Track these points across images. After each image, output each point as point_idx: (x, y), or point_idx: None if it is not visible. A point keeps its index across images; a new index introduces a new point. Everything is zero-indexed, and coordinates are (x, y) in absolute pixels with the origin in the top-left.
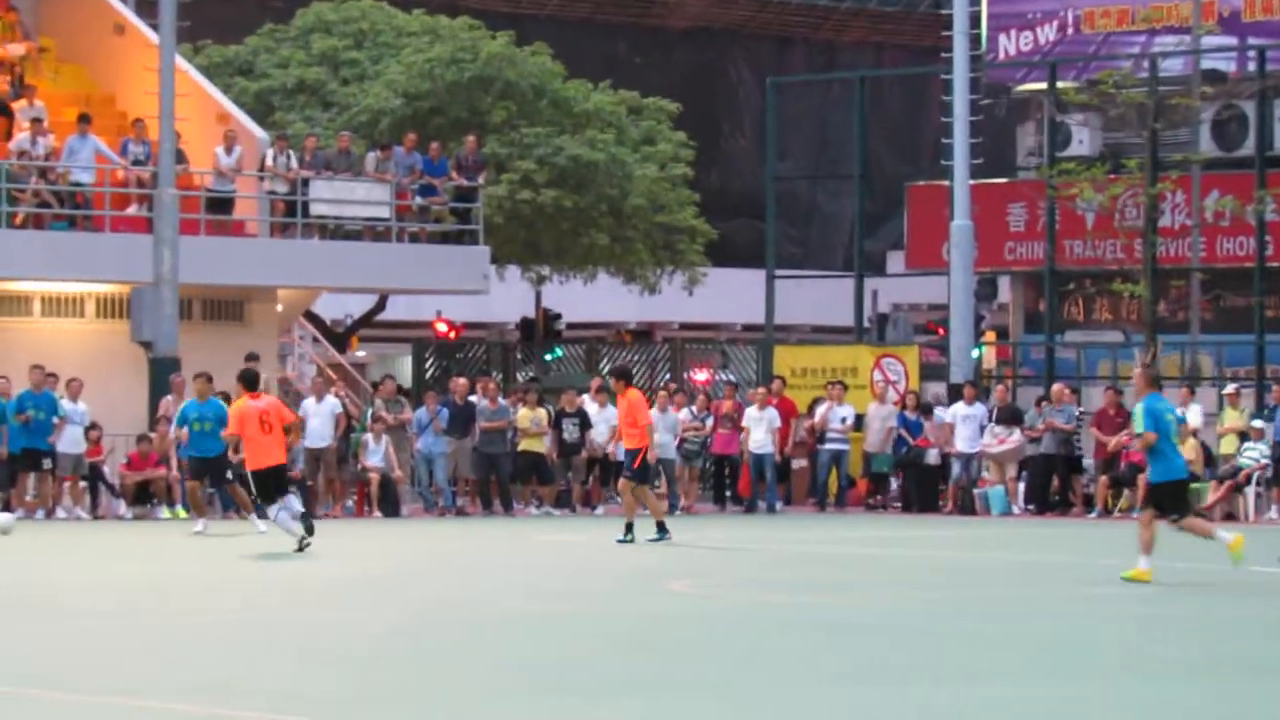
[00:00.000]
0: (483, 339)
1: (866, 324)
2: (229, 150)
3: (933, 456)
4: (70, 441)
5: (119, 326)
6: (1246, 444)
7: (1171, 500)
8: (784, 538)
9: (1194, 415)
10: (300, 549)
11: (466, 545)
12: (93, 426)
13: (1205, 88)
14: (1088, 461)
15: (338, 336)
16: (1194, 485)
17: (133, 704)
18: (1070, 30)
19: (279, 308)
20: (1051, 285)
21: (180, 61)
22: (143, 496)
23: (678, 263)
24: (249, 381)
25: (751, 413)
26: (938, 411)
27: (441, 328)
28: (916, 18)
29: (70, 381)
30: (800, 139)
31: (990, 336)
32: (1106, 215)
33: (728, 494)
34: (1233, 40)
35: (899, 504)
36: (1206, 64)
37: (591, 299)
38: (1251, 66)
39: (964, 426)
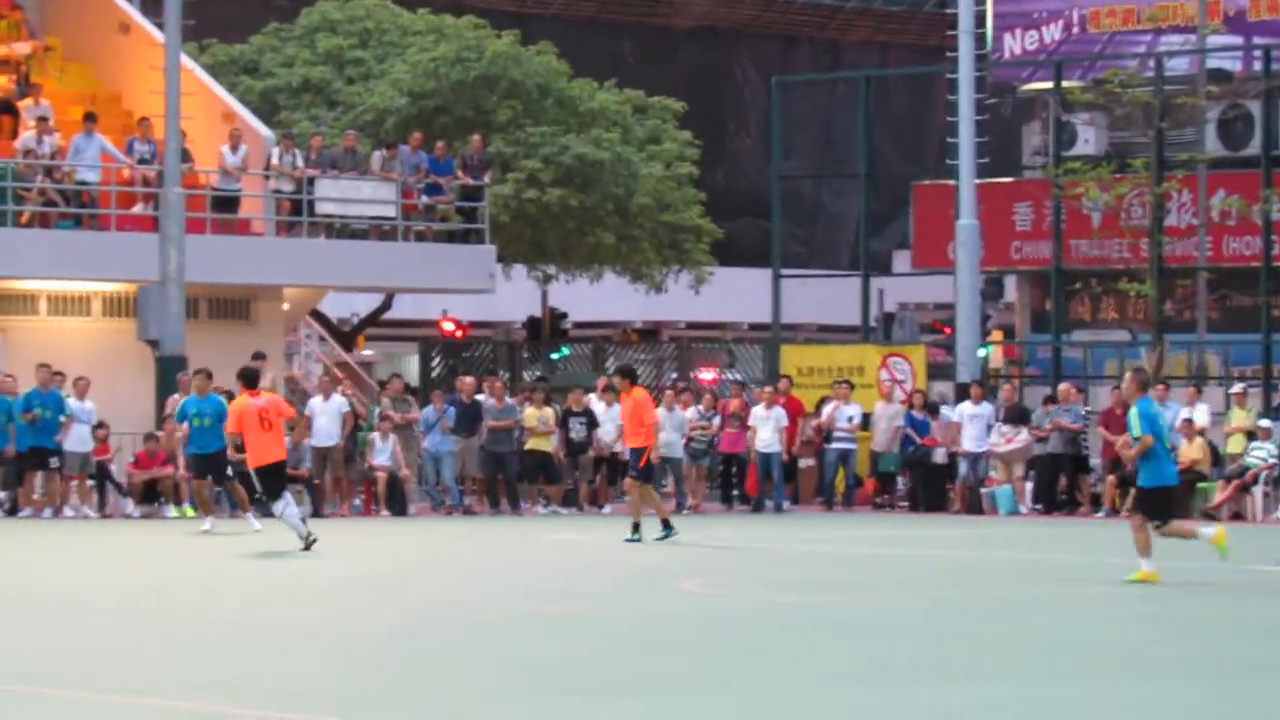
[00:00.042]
0: (489, 338)
1: (873, 323)
2: (234, 149)
3: (940, 456)
4: (77, 440)
5: (125, 325)
6: (1254, 443)
7: (1159, 506)
8: (790, 537)
9: (1201, 415)
10: (307, 547)
11: (473, 544)
12: (100, 425)
13: (1211, 87)
14: (1095, 461)
15: (344, 335)
16: (1201, 485)
17: (137, 702)
18: (1076, 29)
19: (285, 306)
20: (1058, 285)
21: (185, 60)
22: (150, 495)
23: (684, 262)
24: (249, 379)
25: (758, 412)
26: (944, 411)
27: (448, 326)
28: (921, 17)
29: (77, 380)
30: (805, 138)
31: (997, 336)
32: (1112, 214)
33: (735, 493)
34: (1238, 40)
35: (906, 503)
36: (1212, 63)
37: (598, 298)
38: (1257, 66)
39: (971, 426)
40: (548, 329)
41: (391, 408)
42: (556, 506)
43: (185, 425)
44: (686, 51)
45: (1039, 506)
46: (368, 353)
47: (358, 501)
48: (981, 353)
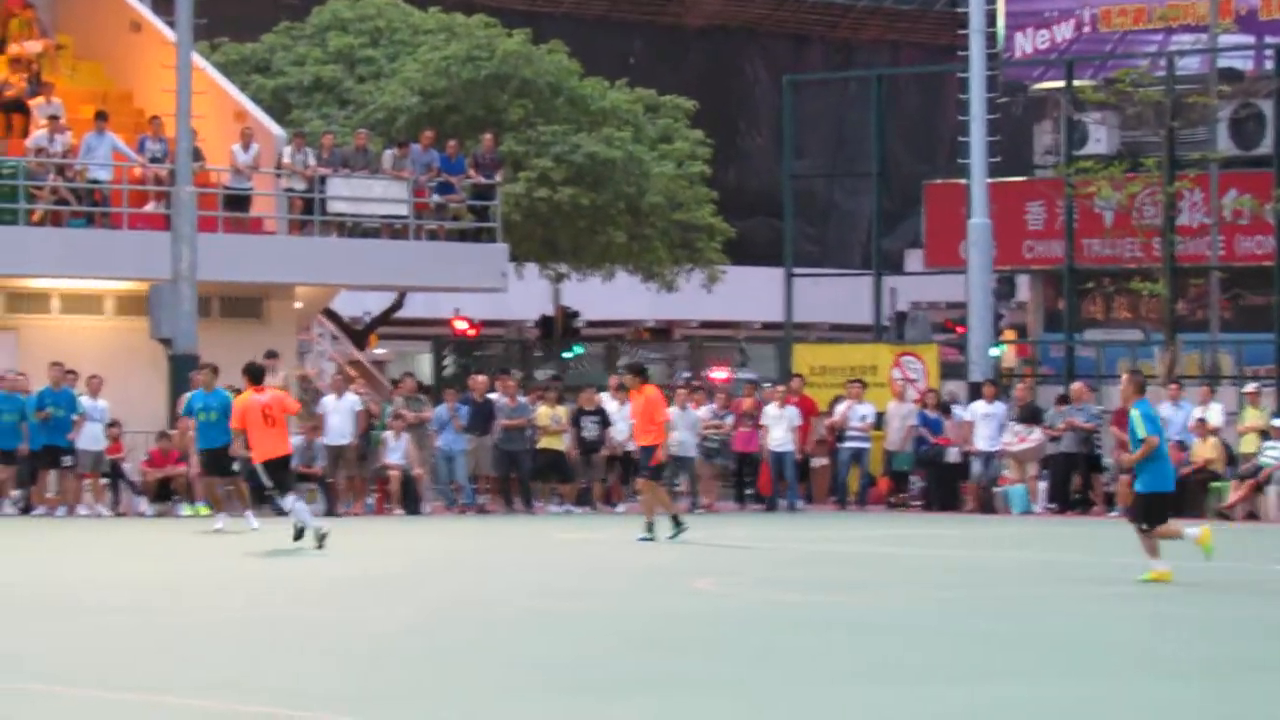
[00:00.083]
0: (502, 337)
1: (885, 322)
2: (246, 148)
3: (953, 455)
4: (90, 438)
5: (138, 324)
6: (1267, 443)
7: (1155, 511)
8: (803, 536)
9: (1214, 414)
10: (319, 543)
11: (486, 543)
12: (113, 424)
13: (1222, 86)
14: (1108, 460)
15: (357, 334)
16: (1215, 485)
17: (150, 700)
18: (1087, 29)
19: (298, 305)
20: (1071, 284)
21: (196, 59)
22: (164, 493)
23: (696, 261)
24: (253, 374)
25: (771, 411)
26: (957, 410)
27: (461, 325)
28: (933, 16)
29: (90, 379)
30: (817, 137)
31: (1009, 335)
32: (1125, 214)
33: (748, 492)
34: (1250, 39)
35: (920, 502)
36: (1223, 62)
37: (610, 297)
38: (1269, 65)
39: (984, 425)
40: (560, 328)
41: (404, 406)
42: (570, 505)
43: (192, 420)
44: (697, 50)
45: (1053, 506)
46: (381, 351)
47: (371, 500)
48: (995, 352)
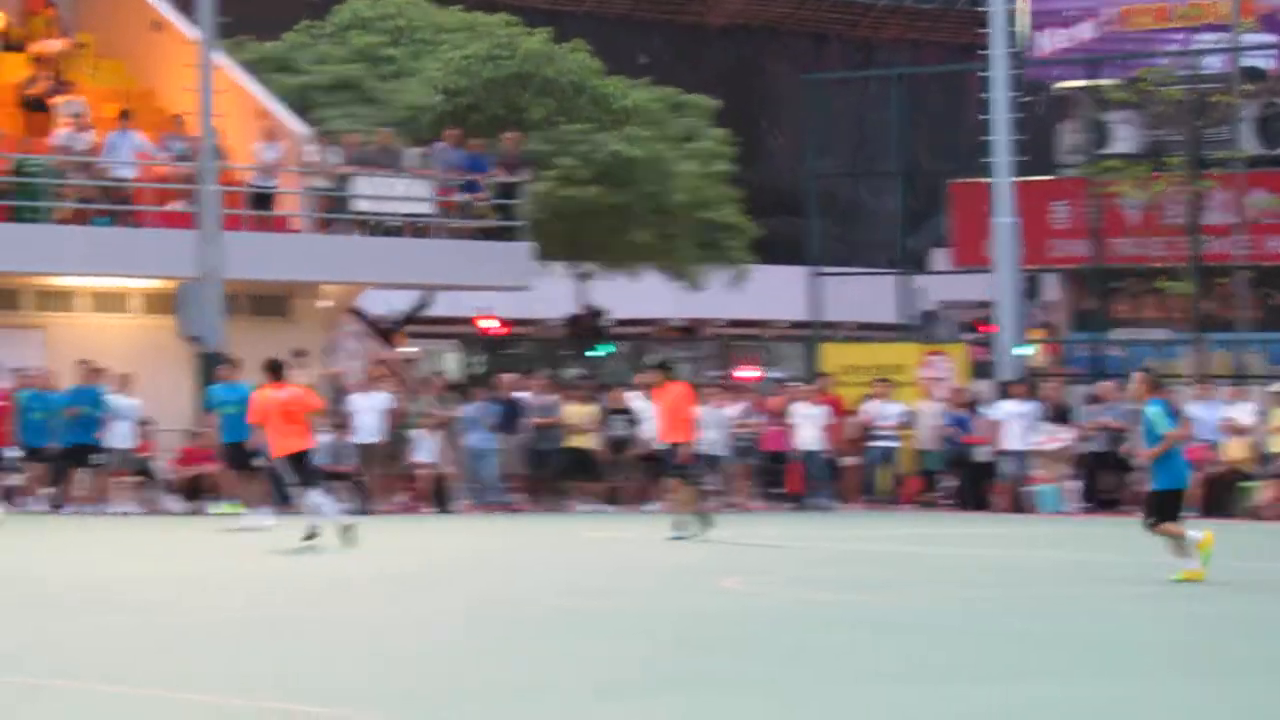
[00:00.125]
0: (531, 335)
1: (913, 321)
2: (269, 146)
3: (983, 454)
4: (120, 436)
5: (165, 322)
6: None
7: (1169, 507)
8: (833, 535)
9: (1243, 414)
10: (344, 537)
11: (515, 541)
12: (143, 421)
13: (1246, 85)
14: (1138, 460)
15: (386, 332)
16: (1245, 484)
17: (177, 697)
18: (1109, 27)
19: (326, 303)
20: (1098, 283)
21: (218, 57)
22: (194, 491)
23: (721, 260)
24: (273, 370)
25: (801, 409)
26: (987, 409)
27: (485, 324)
28: (955, 14)
29: (119, 376)
30: (840, 136)
31: (1038, 334)
32: (1150, 213)
33: (778, 491)
34: (1272, 38)
35: (950, 501)
36: (1246, 61)
37: (637, 295)
38: None
39: (1014, 424)
40: (588, 327)
41: (434, 405)
42: (600, 504)
43: (215, 414)
44: (719, 49)
45: (1084, 505)
46: (409, 350)
47: (402, 498)
48: (1023, 351)
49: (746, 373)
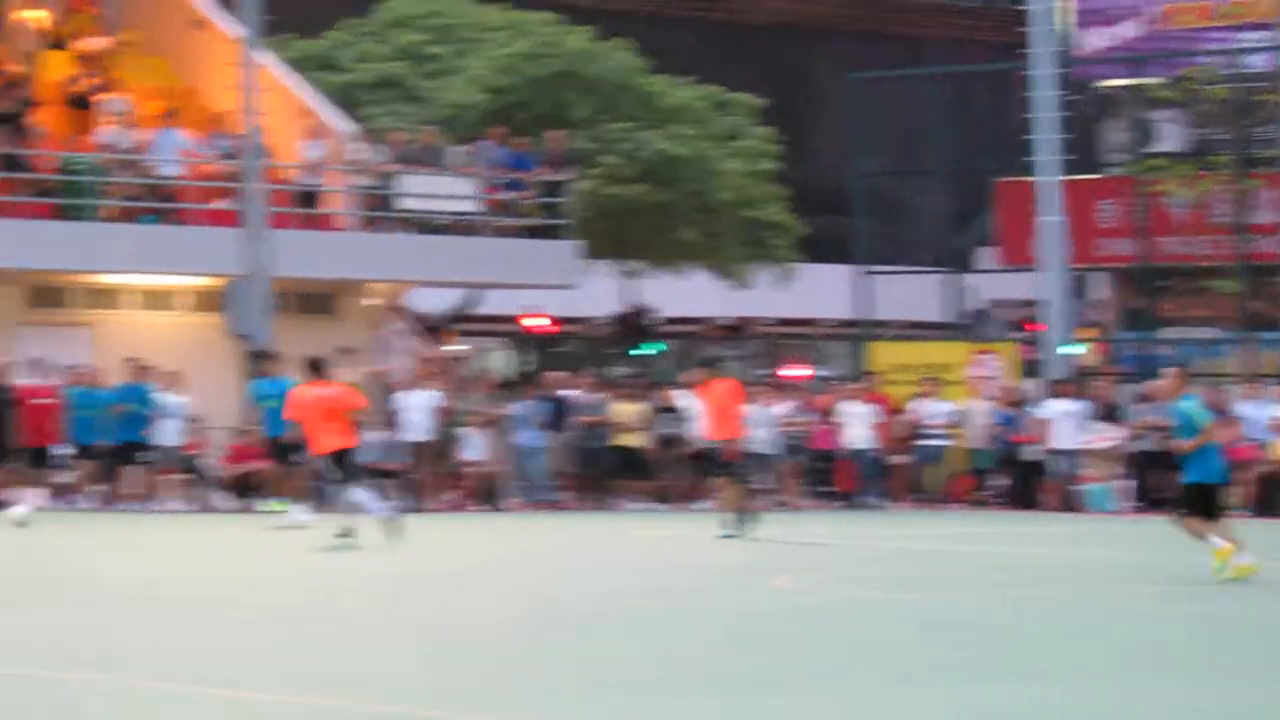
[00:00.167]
0: (578, 333)
1: (962, 320)
2: (314, 144)
3: (1033, 453)
4: (168, 434)
5: (213, 320)
6: None
7: (1198, 501)
8: (882, 534)
9: None
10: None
11: (563, 539)
12: (191, 419)
13: None
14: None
15: (434, 330)
16: None
17: (227, 694)
18: (1153, 26)
19: (372, 301)
20: (1146, 282)
21: (263, 56)
22: (243, 488)
23: (768, 258)
24: (314, 368)
25: (850, 408)
26: (1036, 408)
27: (532, 323)
28: (1003, 13)
29: (167, 374)
30: (886, 134)
31: (1086, 333)
32: (1197, 211)
33: (827, 489)
34: None
35: (999, 500)
36: None
37: (685, 294)
38: None
39: (1064, 423)
40: (635, 325)
41: (483, 403)
42: (649, 502)
43: (259, 408)
44: (765, 47)
45: (1134, 504)
46: (458, 348)
47: (450, 496)
48: (1072, 350)
49: (794, 371)
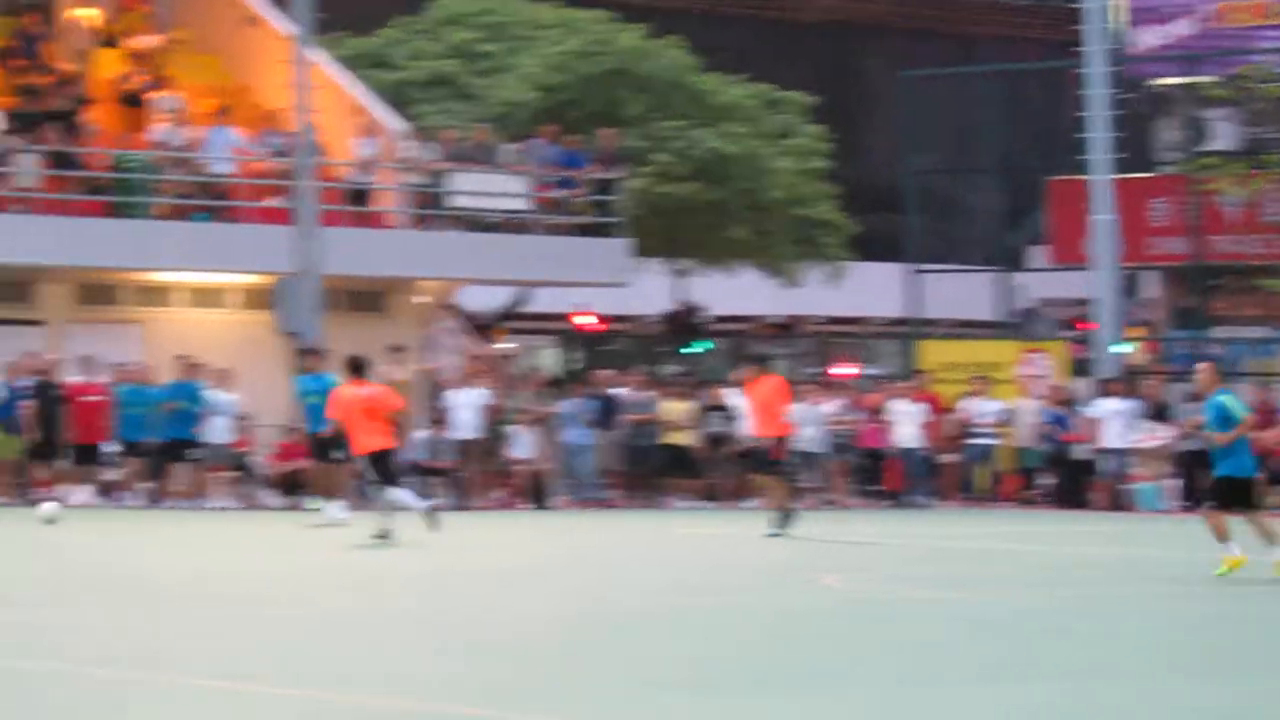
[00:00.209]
0: (628, 331)
1: (1012, 319)
2: (366, 142)
3: (1082, 452)
4: (217, 431)
5: (263, 317)
6: None
7: (1227, 494)
8: (932, 532)
9: None
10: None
11: (612, 537)
12: (240, 417)
13: None
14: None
15: (483, 328)
16: None
17: (277, 692)
18: (1207, 24)
19: (423, 299)
20: (1197, 280)
21: (315, 53)
22: (292, 486)
23: (819, 256)
24: (355, 369)
25: (899, 406)
26: (1086, 407)
27: (581, 321)
28: (1056, 11)
29: (217, 371)
30: (938, 132)
31: (1137, 332)
32: (1249, 210)
33: (876, 488)
34: None
35: (1048, 499)
36: None
37: (734, 292)
38: None
39: (1113, 422)
40: (684, 323)
41: (531, 401)
42: (697, 500)
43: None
44: (816, 45)
45: (1183, 503)
46: (507, 345)
47: (499, 494)
48: (1122, 349)
49: (844, 370)
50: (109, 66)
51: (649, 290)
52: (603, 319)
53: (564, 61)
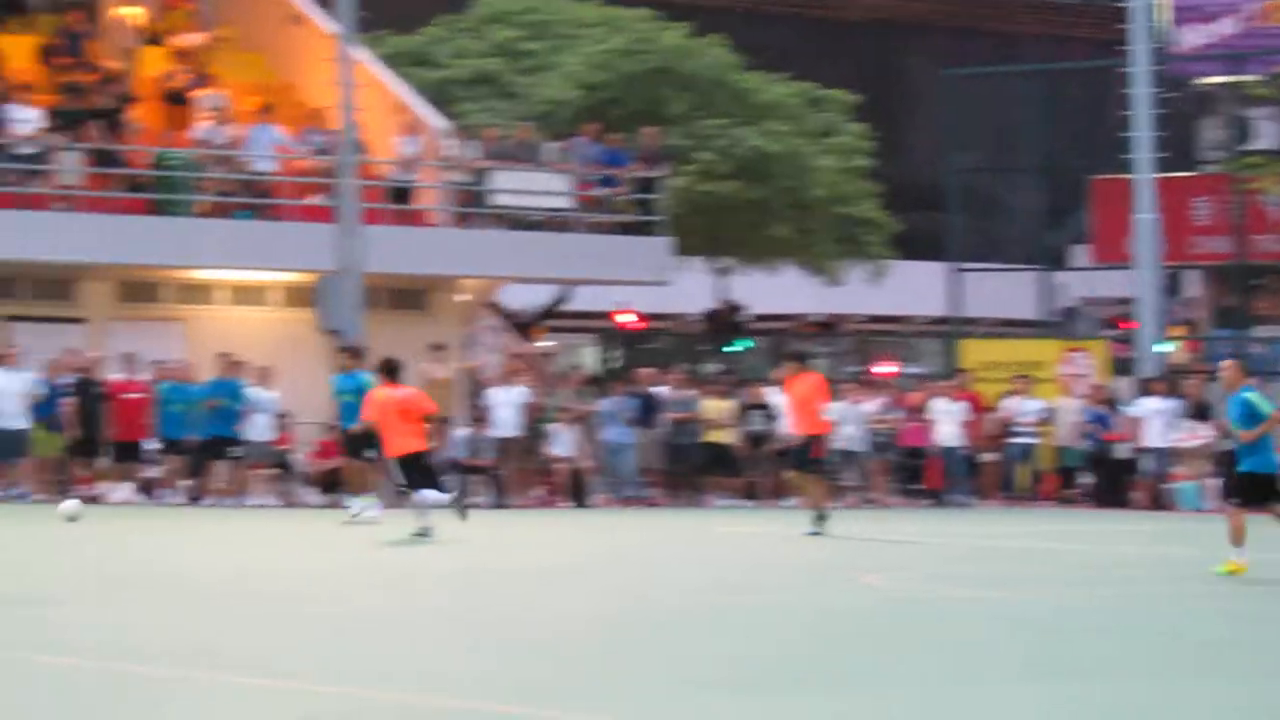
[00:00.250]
0: (669, 330)
1: (1053, 318)
2: (408, 140)
3: (1123, 451)
4: (258, 429)
5: (305, 315)
6: None
7: (1250, 490)
8: (973, 531)
9: None
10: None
11: (653, 536)
12: (281, 415)
13: None
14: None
15: (524, 327)
16: None
17: (316, 689)
18: (1251, 23)
19: (464, 297)
20: (1239, 280)
21: (358, 52)
22: (332, 484)
23: (861, 255)
24: (389, 370)
25: (940, 405)
26: (1127, 406)
27: (623, 319)
28: (1100, 10)
29: (258, 369)
30: (981, 131)
31: (1178, 331)
32: None
33: (916, 487)
34: None
35: (1089, 498)
36: None
37: (776, 291)
38: None
39: (1154, 421)
40: (726, 321)
41: (571, 399)
42: (737, 499)
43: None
44: (859, 44)
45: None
46: (547, 344)
47: (539, 492)
48: (1164, 348)
49: (885, 368)
50: (153, 64)
51: (690, 289)
52: (644, 317)
53: (607, 60)
